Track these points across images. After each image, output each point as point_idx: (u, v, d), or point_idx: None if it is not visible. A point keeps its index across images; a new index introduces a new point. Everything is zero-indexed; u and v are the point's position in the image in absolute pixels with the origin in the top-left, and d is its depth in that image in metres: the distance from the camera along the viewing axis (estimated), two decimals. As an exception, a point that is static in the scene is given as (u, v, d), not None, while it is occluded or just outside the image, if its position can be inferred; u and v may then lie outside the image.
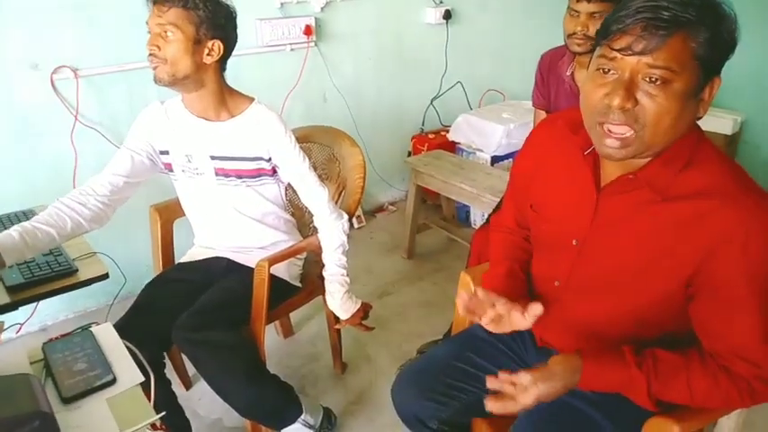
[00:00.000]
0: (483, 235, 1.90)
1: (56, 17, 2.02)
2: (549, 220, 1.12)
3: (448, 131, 3.12)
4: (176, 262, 1.76)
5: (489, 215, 2.19)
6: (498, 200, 2.22)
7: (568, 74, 1.89)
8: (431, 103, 3.26)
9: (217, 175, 1.56)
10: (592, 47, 1.72)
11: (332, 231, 1.59)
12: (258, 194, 1.60)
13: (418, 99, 3.24)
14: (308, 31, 2.62)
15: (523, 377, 0.95)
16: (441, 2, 3.10)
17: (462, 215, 3.04)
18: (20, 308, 1.32)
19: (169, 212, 1.76)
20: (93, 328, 1.06)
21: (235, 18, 1.47)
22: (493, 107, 3.21)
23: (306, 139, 1.93)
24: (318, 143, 1.93)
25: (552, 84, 1.98)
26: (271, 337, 2.20)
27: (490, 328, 1.04)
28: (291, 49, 2.64)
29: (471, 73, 3.36)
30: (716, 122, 3.07)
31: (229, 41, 1.45)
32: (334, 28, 2.78)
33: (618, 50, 0.85)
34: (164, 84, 1.40)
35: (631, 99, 0.85)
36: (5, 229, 1.29)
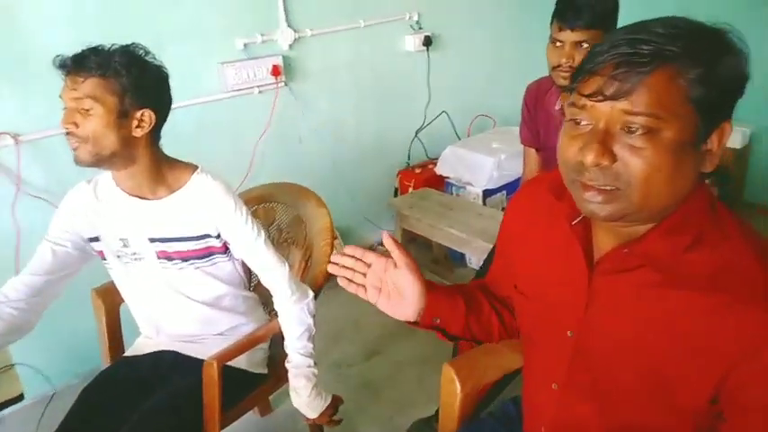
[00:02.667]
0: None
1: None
2: (538, 305, 0.93)
3: (435, 164, 2.91)
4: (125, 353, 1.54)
5: (481, 266, 1.98)
6: (492, 246, 2.00)
7: (557, 108, 1.69)
8: (416, 135, 3.05)
9: (159, 258, 1.35)
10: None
11: (295, 315, 1.37)
12: (209, 276, 1.39)
13: (402, 132, 3.03)
14: (275, 71, 2.42)
15: None
16: (420, 28, 2.91)
17: (456, 255, 2.81)
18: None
19: (114, 296, 1.54)
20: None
21: (166, 80, 1.27)
22: (482, 136, 3.01)
23: (268, 198, 1.73)
24: (282, 203, 1.72)
25: (541, 119, 1.78)
26: (245, 416, 1.97)
27: (380, 305, 0.95)
28: (259, 92, 2.44)
29: (457, 100, 3.15)
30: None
31: (162, 108, 1.25)
32: (306, 65, 2.58)
33: (587, 96, 0.68)
34: (86, 165, 1.21)
35: (607, 154, 0.68)
36: None
